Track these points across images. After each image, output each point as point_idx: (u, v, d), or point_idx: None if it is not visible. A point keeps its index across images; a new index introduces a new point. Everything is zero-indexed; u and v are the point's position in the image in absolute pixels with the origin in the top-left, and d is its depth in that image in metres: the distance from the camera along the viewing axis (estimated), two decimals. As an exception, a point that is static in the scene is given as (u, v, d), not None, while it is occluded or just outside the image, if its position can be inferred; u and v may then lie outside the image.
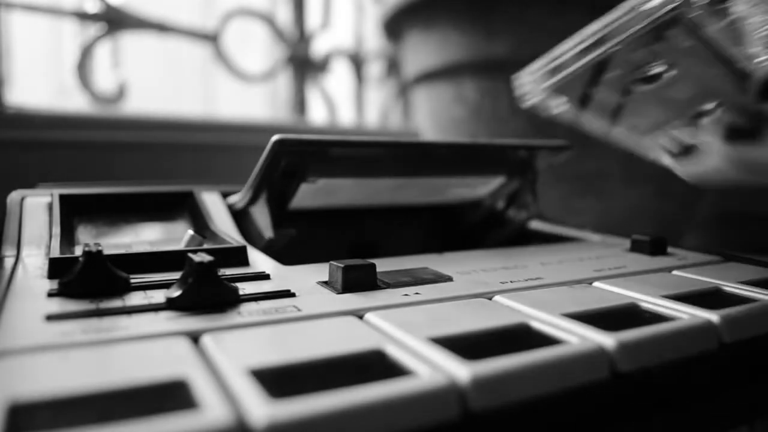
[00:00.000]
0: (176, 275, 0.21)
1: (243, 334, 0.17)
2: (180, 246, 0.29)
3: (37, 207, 0.30)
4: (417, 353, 0.16)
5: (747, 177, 0.30)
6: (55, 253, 0.24)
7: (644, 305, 0.21)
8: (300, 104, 0.74)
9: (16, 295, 0.20)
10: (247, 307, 0.20)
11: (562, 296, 0.22)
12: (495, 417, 0.15)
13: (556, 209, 0.51)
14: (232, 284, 0.21)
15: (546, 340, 0.17)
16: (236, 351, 0.16)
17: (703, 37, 0.29)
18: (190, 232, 0.29)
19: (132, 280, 0.22)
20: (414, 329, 0.18)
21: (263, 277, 0.24)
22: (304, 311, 0.20)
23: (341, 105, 0.80)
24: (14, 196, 0.31)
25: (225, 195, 0.34)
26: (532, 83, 0.32)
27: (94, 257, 0.21)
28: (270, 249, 0.29)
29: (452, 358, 0.16)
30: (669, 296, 0.22)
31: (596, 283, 0.24)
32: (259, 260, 0.26)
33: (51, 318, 0.18)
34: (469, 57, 0.48)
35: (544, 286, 0.24)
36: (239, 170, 0.59)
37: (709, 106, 0.29)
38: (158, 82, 0.68)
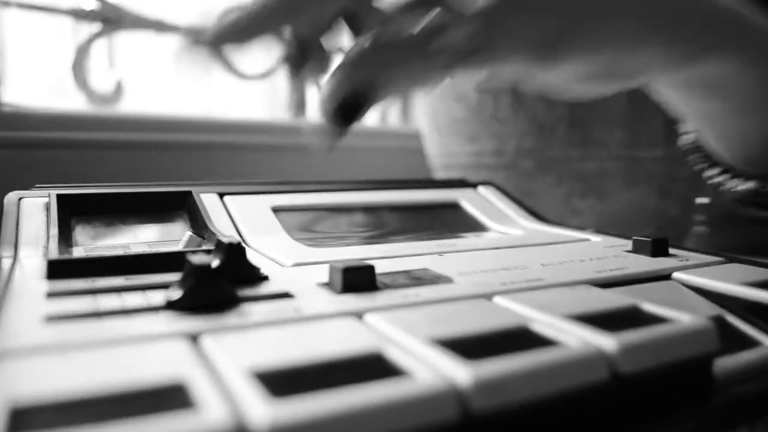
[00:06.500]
0: (175, 276, 0.21)
1: (242, 336, 0.17)
2: (179, 247, 0.29)
3: (34, 207, 0.30)
4: (417, 354, 0.16)
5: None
6: (54, 254, 0.24)
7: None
8: (299, 104, 0.74)
9: (14, 296, 0.20)
10: (246, 309, 0.20)
11: (562, 297, 0.22)
12: (495, 418, 0.15)
13: (557, 209, 0.51)
14: (232, 285, 0.21)
15: (546, 342, 0.17)
16: (236, 352, 0.16)
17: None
18: (189, 232, 0.29)
19: (131, 281, 0.22)
20: (414, 330, 0.18)
21: (262, 278, 0.24)
22: (304, 312, 0.20)
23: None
24: (11, 197, 0.30)
25: (223, 195, 0.34)
26: None
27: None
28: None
29: (452, 359, 0.16)
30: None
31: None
32: (258, 262, 0.26)
33: (50, 319, 0.18)
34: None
35: (544, 287, 0.24)
36: (238, 170, 0.59)
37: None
38: (155, 82, 0.67)
